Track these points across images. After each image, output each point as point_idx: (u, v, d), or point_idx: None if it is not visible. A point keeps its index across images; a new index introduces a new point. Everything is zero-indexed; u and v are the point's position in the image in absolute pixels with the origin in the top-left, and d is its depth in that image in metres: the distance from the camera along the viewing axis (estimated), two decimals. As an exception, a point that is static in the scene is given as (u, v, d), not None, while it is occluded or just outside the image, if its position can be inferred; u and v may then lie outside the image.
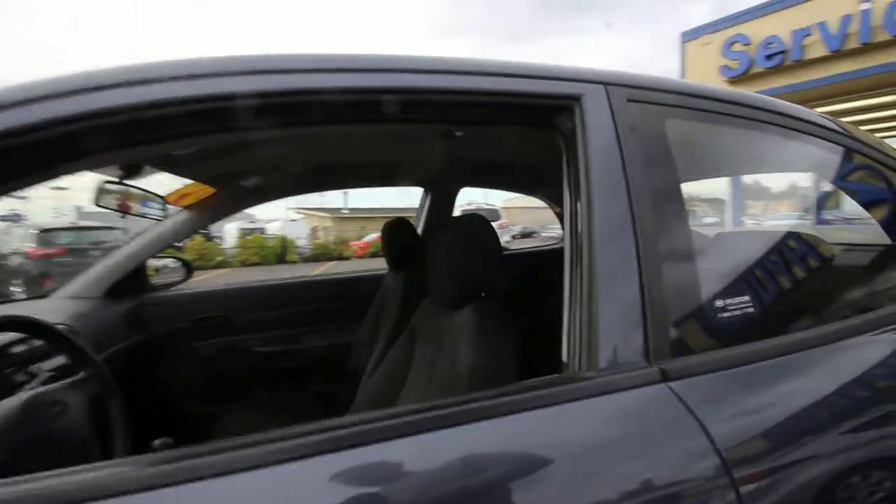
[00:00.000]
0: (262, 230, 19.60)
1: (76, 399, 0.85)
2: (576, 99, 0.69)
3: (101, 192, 1.15)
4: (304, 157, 1.49)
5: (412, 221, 1.84)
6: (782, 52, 7.80)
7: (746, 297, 0.68)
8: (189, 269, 2.06)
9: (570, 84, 0.70)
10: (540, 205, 2.36)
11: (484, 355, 0.74)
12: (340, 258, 16.26)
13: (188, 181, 1.53)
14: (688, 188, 0.73)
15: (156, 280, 1.94)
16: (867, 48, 6.94)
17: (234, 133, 0.61)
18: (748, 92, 0.83)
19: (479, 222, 0.87)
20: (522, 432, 0.50)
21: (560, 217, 2.39)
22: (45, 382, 0.99)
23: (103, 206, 1.18)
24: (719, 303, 0.66)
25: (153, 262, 1.94)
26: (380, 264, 1.98)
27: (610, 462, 0.50)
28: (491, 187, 1.99)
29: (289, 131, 0.99)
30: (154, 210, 1.40)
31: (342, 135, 1.21)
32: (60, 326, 0.94)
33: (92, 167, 0.60)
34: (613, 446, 0.51)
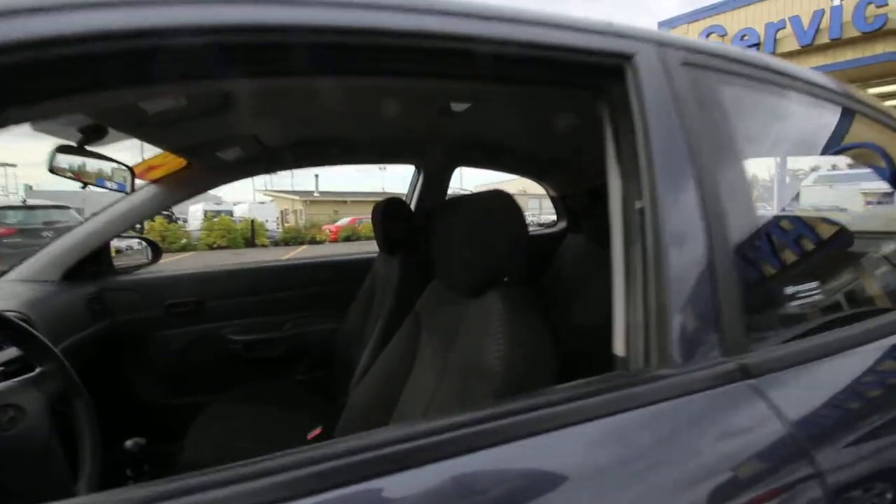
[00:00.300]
0: (229, 212, 18.88)
1: (33, 400, 0.71)
2: (627, 58, 0.60)
3: (58, 156, 0.99)
4: (289, 124, 1.35)
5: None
6: (757, 45, 7.95)
7: (819, 284, 0.62)
8: (157, 250, 1.89)
9: (621, 41, 0.61)
10: (517, 190, 2.29)
11: (520, 347, 0.65)
12: (313, 242, 15.86)
13: (158, 151, 1.36)
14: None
15: (119, 262, 1.76)
16: (836, 44, 7.15)
17: (203, 83, 0.49)
18: (804, 67, 0.76)
19: (503, 199, 0.77)
20: (601, 442, 0.42)
21: (556, 201, 2.32)
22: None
23: (59, 173, 1.02)
24: (793, 290, 0.60)
25: (116, 244, 1.76)
26: (353, 249, 1.89)
27: (705, 467, 0.43)
28: (488, 167, 1.89)
29: (270, 84, 0.86)
30: (118, 182, 1.24)
31: (330, 94, 1.08)
32: (11, 313, 0.80)
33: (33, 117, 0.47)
34: (705, 450, 0.44)
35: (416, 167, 1.90)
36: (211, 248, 13.90)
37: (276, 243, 15.78)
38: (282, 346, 1.84)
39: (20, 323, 0.78)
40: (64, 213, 7.82)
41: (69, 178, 1.04)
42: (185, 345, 1.75)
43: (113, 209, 1.57)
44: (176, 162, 1.50)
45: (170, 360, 1.74)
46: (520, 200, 0.85)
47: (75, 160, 1.03)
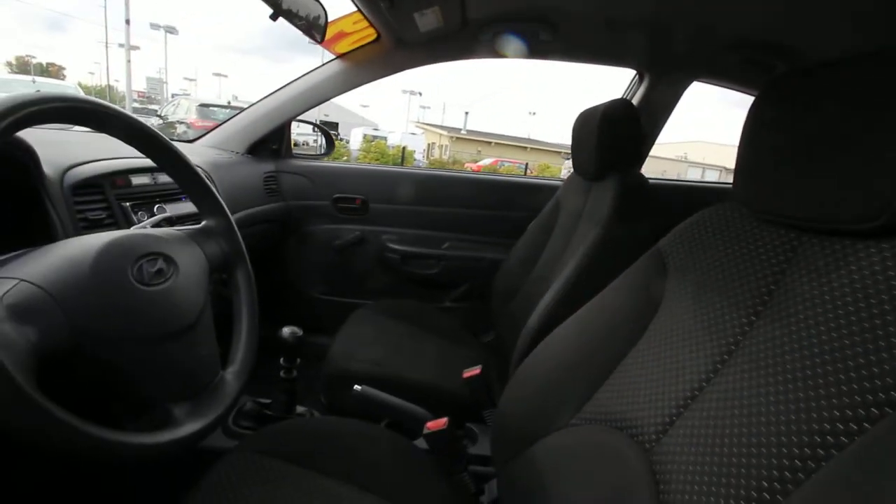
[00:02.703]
0: (384, 138, 20.05)
1: (189, 256, 0.57)
2: None
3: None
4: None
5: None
6: None
7: None
8: (331, 141, 1.80)
9: None
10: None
11: None
12: (455, 177, 16.11)
13: (352, 11, 1.15)
14: None
15: (299, 149, 1.72)
16: None
17: None
18: None
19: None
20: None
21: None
22: (157, 226, 0.74)
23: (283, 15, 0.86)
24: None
25: (294, 137, 1.70)
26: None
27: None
28: (743, 88, 1.33)
29: None
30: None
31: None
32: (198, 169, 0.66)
33: None
34: None
35: (638, 73, 1.43)
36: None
37: (421, 172, 16.44)
38: (439, 265, 1.65)
39: (196, 170, 0.64)
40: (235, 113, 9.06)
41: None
42: (346, 243, 1.66)
43: (295, 86, 1.46)
44: (365, 33, 1.30)
45: (328, 255, 1.68)
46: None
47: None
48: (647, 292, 0.70)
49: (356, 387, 0.91)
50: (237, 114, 1.53)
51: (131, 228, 0.63)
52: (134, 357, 0.46)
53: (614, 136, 1.08)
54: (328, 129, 1.83)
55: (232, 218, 0.69)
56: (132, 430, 0.42)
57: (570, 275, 1.02)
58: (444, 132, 28.08)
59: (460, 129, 29.45)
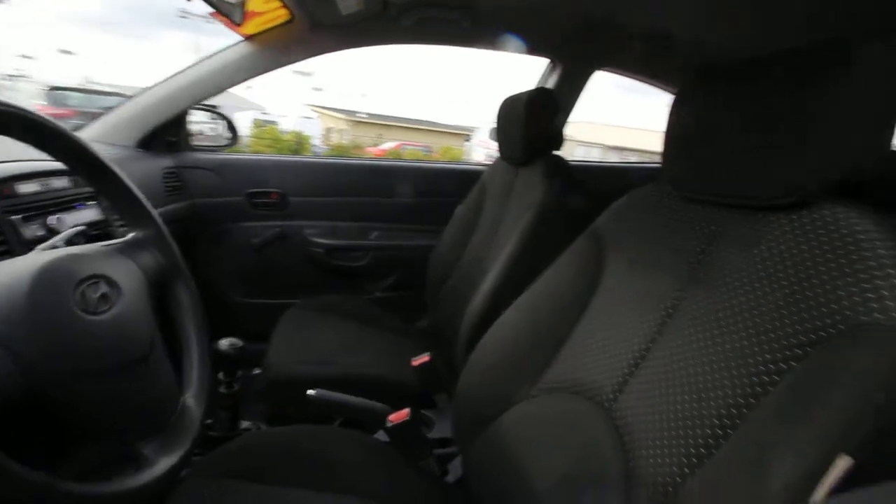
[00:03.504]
0: (275, 123, 18.69)
1: (128, 275, 0.49)
2: None
3: None
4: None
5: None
6: None
7: None
8: (234, 130, 1.65)
9: None
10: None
11: None
12: (357, 163, 15.62)
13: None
14: None
15: (196, 139, 1.54)
16: None
17: None
18: None
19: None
20: None
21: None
22: (71, 243, 0.63)
23: None
24: None
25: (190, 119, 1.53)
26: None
27: None
28: (642, 77, 1.49)
29: None
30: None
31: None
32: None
33: None
34: None
35: (551, 61, 1.52)
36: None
37: (320, 159, 15.69)
38: (367, 256, 1.62)
39: (119, 173, 0.55)
40: (121, 100, 7.79)
41: None
42: (265, 241, 1.55)
43: (194, 70, 1.31)
44: (276, 14, 1.20)
45: (247, 256, 1.56)
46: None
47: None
48: (588, 268, 0.77)
49: (310, 391, 0.88)
50: (124, 102, 1.33)
51: (39, 248, 0.53)
52: (92, 396, 0.40)
53: (539, 124, 1.14)
54: (229, 117, 1.67)
55: (164, 226, 0.62)
56: (103, 478, 0.37)
57: (509, 257, 1.07)
58: (342, 116, 26.99)
59: (358, 113, 28.54)
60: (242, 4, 0.97)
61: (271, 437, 0.82)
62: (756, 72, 0.54)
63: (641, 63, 1.40)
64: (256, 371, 1.16)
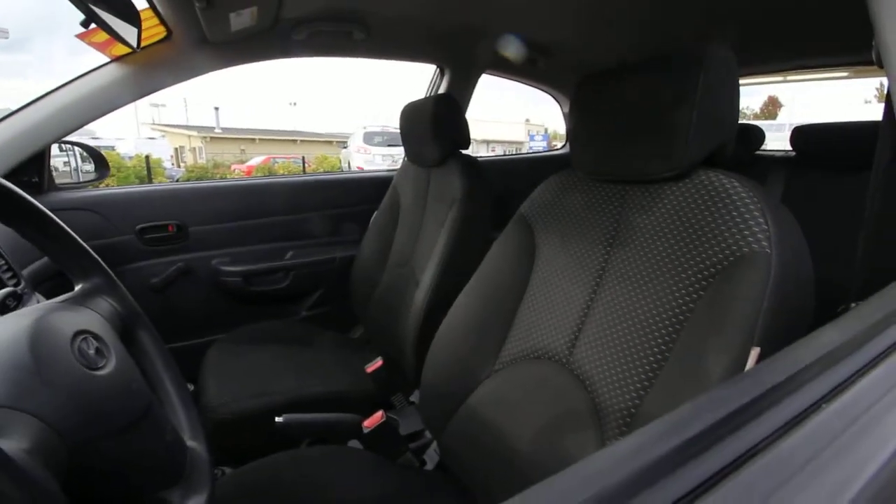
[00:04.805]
0: (111, 148, 16.16)
1: (102, 328, 0.45)
2: None
3: None
4: None
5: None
6: None
7: None
8: (103, 161, 1.46)
9: None
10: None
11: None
12: (224, 182, 14.28)
13: (143, 8, 0.97)
14: None
15: (60, 178, 1.33)
16: None
17: None
18: None
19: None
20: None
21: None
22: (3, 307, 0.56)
23: None
24: None
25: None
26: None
27: None
28: (518, 77, 1.67)
29: None
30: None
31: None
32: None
33: None
34: None
35: (440, 67, 1.63)
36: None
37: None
38: (287, 277, 1.57)
39: (61, 224, 0.50)
40: None
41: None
42: (167, 279, 1.41)
43: (53, 99, 1.14)
44: (151, 32, 1.11)
45: (148, 298, 1.40)
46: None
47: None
48: (523, 249, 0.89)
49: (277, 419, 0.86)
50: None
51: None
52: (121, 456, 0.37)
53: (448, 126, 1.24)
54: (93, 148, 1.47)
55: (106, 267, 0.57)
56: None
57: (442, 252, 1.15)
58: (194, 132, 24.33)
59: (213, 128, 26.02)
60: (134, 25, 0.88)
61: (250, 476, 0.79)
62: (638, 74, 0.69)
63: (524, 68, 1.58)
64: None
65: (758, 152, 1.78)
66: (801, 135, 1.57)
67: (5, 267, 0.80)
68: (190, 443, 0.51)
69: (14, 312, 0.41)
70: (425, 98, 1.29)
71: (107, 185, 1.57)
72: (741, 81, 0.66)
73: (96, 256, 0.55)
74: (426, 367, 0.91)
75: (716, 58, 0.60)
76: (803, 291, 0.56)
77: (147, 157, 13.92)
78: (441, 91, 1.63)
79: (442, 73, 1.64)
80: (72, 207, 1.26)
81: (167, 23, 1.08)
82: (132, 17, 0.81)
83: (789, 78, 2.11)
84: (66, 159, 1.47)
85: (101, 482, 0.36)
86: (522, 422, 0.76)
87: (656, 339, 0.62)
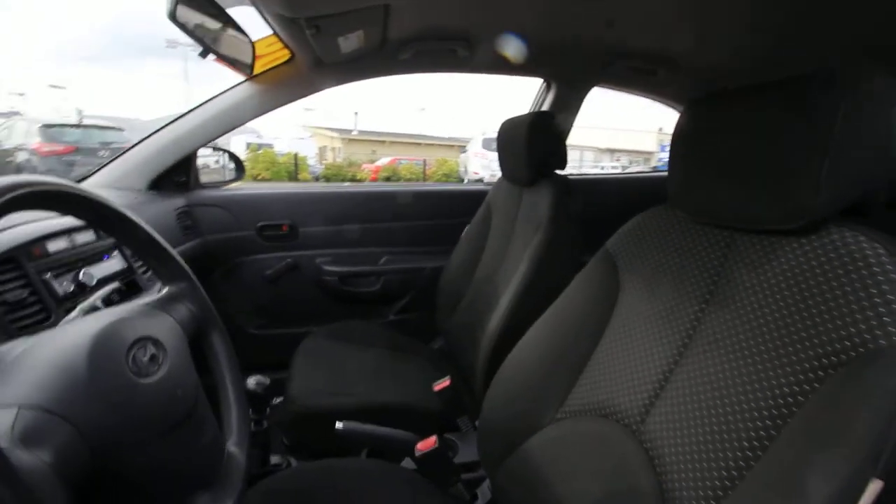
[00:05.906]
0: (270, 146, 18.80)
1: (169, 332, 0.51)
2: None
3: (179, 6, 0.74)
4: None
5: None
6: None
7: None
8: (240, 165, 1.69)
9: None
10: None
11: None
12: (353, 181, 15.72)
13: (267, 35, 1.09)
14: None
15: (205, 177, 1.58)
16: None
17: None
18: None
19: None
20: None
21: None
22: (108, 301, 0.65)
23: (178, 25, 0.77)
24: None
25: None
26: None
27: None
28: (633, 90, 1.53)
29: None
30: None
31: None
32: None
33: None
34: None
35: (546, 81, 1.56)
36: (255, 179, 13.99)
37: (317, 179, 15.77)
38: (379, 281, 1.65)
39: (151, 232, 0.57)
40: (118, 134, 7.83)
41: (186, 32, 0.79)
42: (278, 272, 1.58)
43: (201, 112, 1.35)
44: (278, 55, 1.24)
45: (260, 288, 1.58)
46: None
47: (195, 15, 0.79)
48: (604, 290, 0.79)
49: (338, 424, 0.89)
50: (131, 147, 1.36)
51: (80, 308, 0.55)
52: (151, 463, 0.41)
53: (542, 146, 1.17)
54: (234, 153, 1.71)
55: (195, 279, 0.64)
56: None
57: (522, 278, 1.09)
58: (336, 134, 27.16)
59: (352, 131, 28.73)
60: (248, 55, 1.00)
61: (303, 475, 0.83)
62: (759, 98, 0.56)
63: (636, 80, 1.43)
64: (277, 400, 1.17)
65: None
66: None
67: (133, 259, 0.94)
68: (231, 448, 0.55)
69: (95, 314, 0.47)
70: (524, 115, 1.24)
71: (255, 179, 1.82)
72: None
73: (183, 263, 0.62)
74: (487, 398, 0.87)
75: (865, 80, 0.46)
76: None
77: (296, 155, 15.94)
78: (546, 106, 1.56)
79: (548, 87, 1.56)
80: (209, 204, 1.48)
81: (290, 48, 1.20)
82: (243, 48, 0.91)
83: None
84: (216, 159, 1.74)
85: (126, 486, 0.40)
86: (577, 487, 0.67)
87: (748, 430, 0.50)
